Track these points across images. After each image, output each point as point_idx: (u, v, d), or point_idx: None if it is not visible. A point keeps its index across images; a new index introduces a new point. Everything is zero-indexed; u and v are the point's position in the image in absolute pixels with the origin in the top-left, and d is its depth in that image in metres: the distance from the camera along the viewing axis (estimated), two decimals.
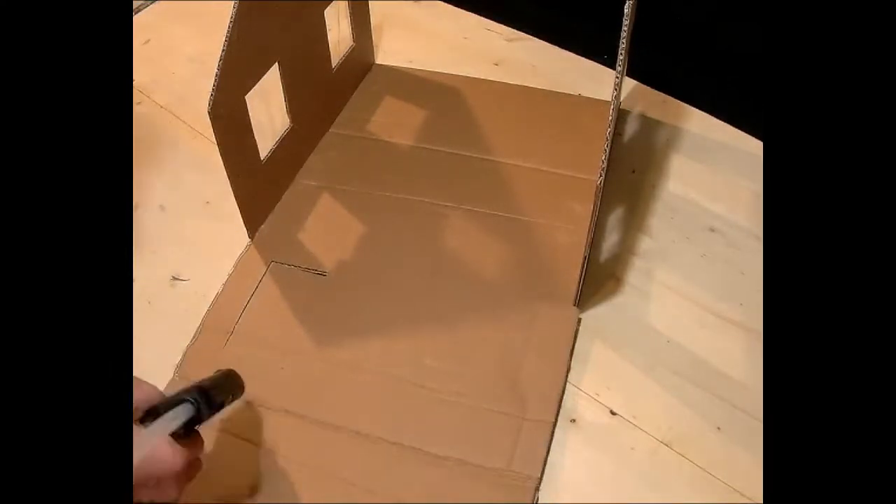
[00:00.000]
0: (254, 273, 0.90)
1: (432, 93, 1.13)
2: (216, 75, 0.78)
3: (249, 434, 0.76)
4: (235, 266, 0.90)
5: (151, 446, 0.55)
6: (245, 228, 0.92)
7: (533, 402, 0.77)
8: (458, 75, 1.15)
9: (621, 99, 1.08)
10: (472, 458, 0.73)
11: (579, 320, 0.84)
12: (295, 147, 1.00)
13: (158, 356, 0.81)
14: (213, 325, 0.85)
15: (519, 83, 1.14)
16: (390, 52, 1.21)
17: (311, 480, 0.72)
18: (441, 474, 0.73)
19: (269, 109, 0.99)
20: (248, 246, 0.92)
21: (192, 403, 0.60)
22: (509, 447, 0.74)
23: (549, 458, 0.74)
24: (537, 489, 0.72)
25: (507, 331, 0.83)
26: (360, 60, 1.15)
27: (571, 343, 0.82)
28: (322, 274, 0.89)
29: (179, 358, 0.81)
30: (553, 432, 0.75)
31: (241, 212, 0.90)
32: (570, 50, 1.19)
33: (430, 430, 0.76)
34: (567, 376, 0.79)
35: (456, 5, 1.29)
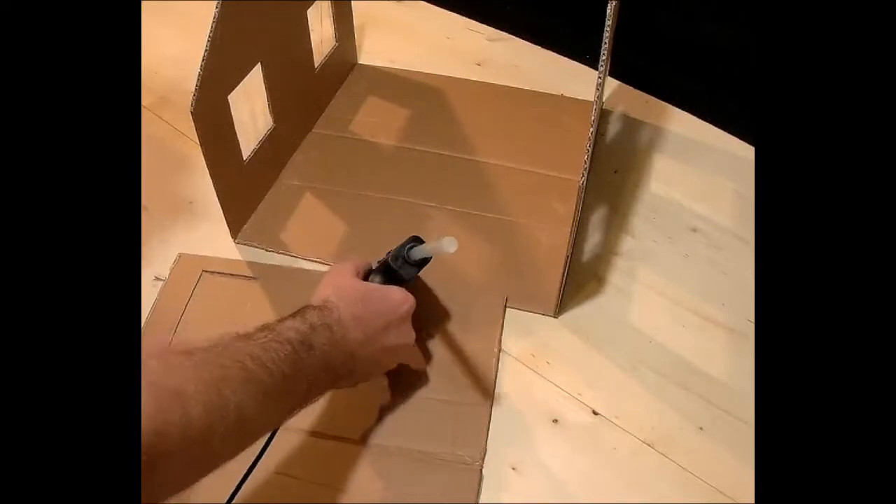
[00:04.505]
0: (187, 284, 0.89)
1: (415, 93, 1.13)
2: (199, 75, 0.78)
3: None
4: (166, 281, 0.90)
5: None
6: (227, 228, 0.92)
7: (468, 387, 0.79)
8: (441, 75, 1.15)
9: (604, 99, 1.09)
10: (418, 445, 0.75)
11: (506, 302, 0.86)
12: (278, 147, 0.99)
13: None
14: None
15: (501, 83, 1.14)
16: (373, 52, 1.21)
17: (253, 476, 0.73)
18: (390, 464, 0.74)
19: (251, 109, 0.98)
20: (178, 258, 0.92)
21: (414, 240, 0.77)
22: (450, 433, 0.75)
23: (531, 458, 0.75)
24: (481, 469, 0.73)
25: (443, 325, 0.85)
26: (343, 60, 1.15)
27: (500, 326, 0.84)
28: (253, 279, 0.89)
29: None
30: (491, 412, 0.77)
31: (223, 212, 0.90)
32: (553, 50, 1.19)
33: (367, 418, 0.77)
34: (499, 355, 0.81)
35: (438, 5, 1.29)
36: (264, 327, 0.63)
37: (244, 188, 0.94)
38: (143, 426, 0.47)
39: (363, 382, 0.73)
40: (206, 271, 0.90)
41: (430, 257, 0.77)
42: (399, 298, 0.73)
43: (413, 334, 0.75)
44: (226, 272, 0.90)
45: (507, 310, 0.86)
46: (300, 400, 0.64)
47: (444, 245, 0.70)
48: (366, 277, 0.76)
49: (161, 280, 0.89)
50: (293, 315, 0.66)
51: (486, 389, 0.79)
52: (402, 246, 0.76)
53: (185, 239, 0.93)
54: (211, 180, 0.85)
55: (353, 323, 0.68)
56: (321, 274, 0.87)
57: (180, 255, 0.92)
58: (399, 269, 0.76)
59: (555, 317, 0.85)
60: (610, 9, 0.75)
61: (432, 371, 0.80)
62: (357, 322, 0.68)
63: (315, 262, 0.91)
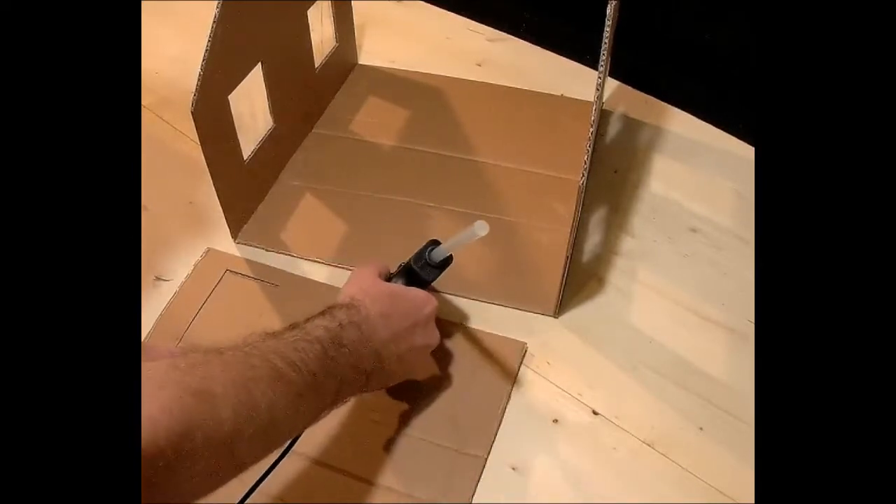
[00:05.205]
0: (209, 281, 0.89)
1: (415, 93, 1.13)
2: (199, 75, 0.78)
3: None
4: (190, 274, 0.90)
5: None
6: (228, 228, 0.92)
7: (470, 435, 0.76)
8: (441, 76, 1.15)
9: (604, 99, 1.09)
10: (406, 488, 0.73)
11: (525, 349, 0.83)
12: (278, 147, 0.99)
13: None
14: (164, 330, 0.85)
15: (501, 83, 1.14)
16: (373, 52, 1.21)
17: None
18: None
19: (252, 109, 0.98)
20: (206, 252, 0.92)
21: (433, 243, 0.77)
22: (443, 480, 0.74)
23: (531, 458, 0.75)
24: None
25: (453, 359, 0.83)
26: (343, 61, 1.15)
27: (514, 377, 0.81)
28: (275, 285, 0.89)
29: None
30: (484, 467, 0.75)
31: (224, 212, 0.90)
32: (553, 50, 1.19)
33: (368, 457, 0.75)
34: (505, 408, 0.79)
35: (438, 6, 1.29)
36: (293, 326, 0.63)
37: (244, 188, 0.94)
38: (166, 426, 0.47)
39: (391, 385, 0.73)
40: (230, 271, 0.90)
41: (451, 259, 0.77)
42: (423, 299, 0.73)
43: (438, 336, 0.75)
44: (249, 275, 0.90)
45: (507, 310, 0.86)
46: (330, 401, 0.63)
47: (477, 229, 0.70)
48: (387, 280, 0.76)
49: (162, 280, 0.89)
50: (321, 313, 0.66)
51: (485, 440, 0.76)
52: (424, 248, 0.77)
53: (184, 239, 0.94)
54: (211, 180, 0.85)
55: (380, 321, 0.68)
56: None
57: (208, 250, 0.92)
58: (420, 270, 0.76)
59: (555, 317, 0.85)
60: (610, 9, 0.76)
61: (436, 412, 0.78)
62: (385, 321, 0.68)
63: (315, 262, 0.91)
